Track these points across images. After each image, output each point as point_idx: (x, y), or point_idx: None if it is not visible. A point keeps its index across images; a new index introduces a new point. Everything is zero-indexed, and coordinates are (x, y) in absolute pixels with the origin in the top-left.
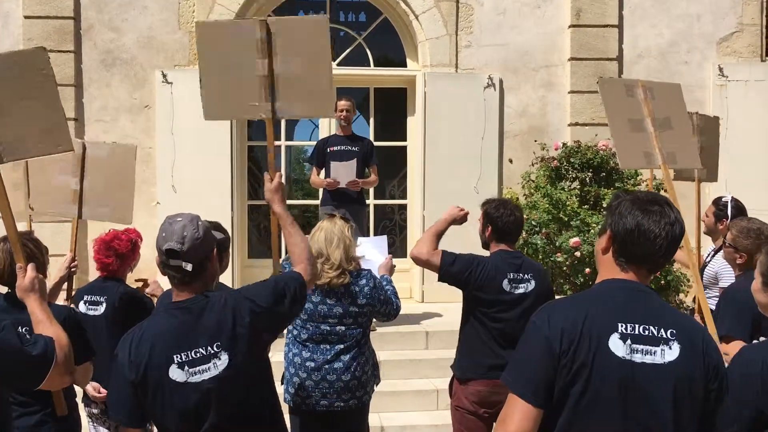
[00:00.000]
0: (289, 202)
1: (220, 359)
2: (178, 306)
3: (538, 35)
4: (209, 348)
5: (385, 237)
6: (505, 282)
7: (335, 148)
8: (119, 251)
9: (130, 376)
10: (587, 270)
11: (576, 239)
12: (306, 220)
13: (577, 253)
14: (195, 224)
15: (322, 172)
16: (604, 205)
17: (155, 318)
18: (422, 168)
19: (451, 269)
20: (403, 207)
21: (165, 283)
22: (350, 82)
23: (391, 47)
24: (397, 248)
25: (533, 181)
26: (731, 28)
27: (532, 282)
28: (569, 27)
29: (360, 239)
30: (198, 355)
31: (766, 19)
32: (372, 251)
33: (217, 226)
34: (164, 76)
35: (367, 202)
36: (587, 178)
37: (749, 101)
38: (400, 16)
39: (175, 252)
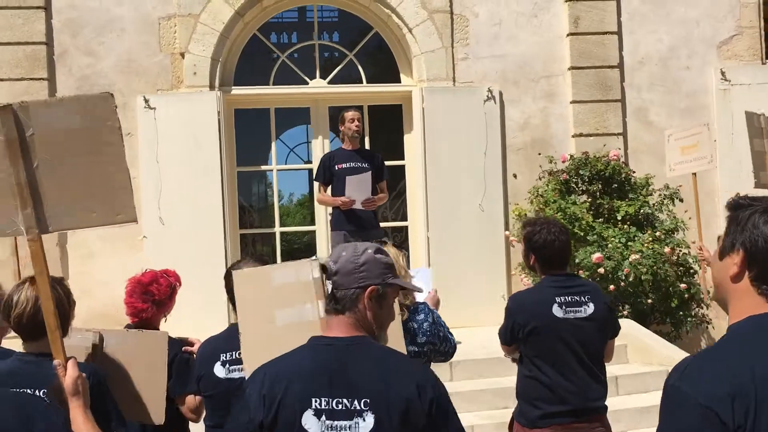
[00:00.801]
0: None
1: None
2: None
3: (536, 45)
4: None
5: (429, 269)
6: (555, 307)
7: (344, 165)
8: (157, 297)
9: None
10: (611, 287)
11: (598, 255)
12: (305, 246)
13: (601, 270)
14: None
15: (329, 190)
16: (619, 218)
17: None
18: (424, 187)
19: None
20: (399, 229)
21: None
22: (343, 100)
23: (383, 63)
24: None
25: (542, 196)
26: (731, 31)
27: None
28: (567, 35)
29: None
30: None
31: (764, 21)
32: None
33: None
34: (146, 101)
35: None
36: (597, 191)
37: (754, 105)
38: (392, 30)
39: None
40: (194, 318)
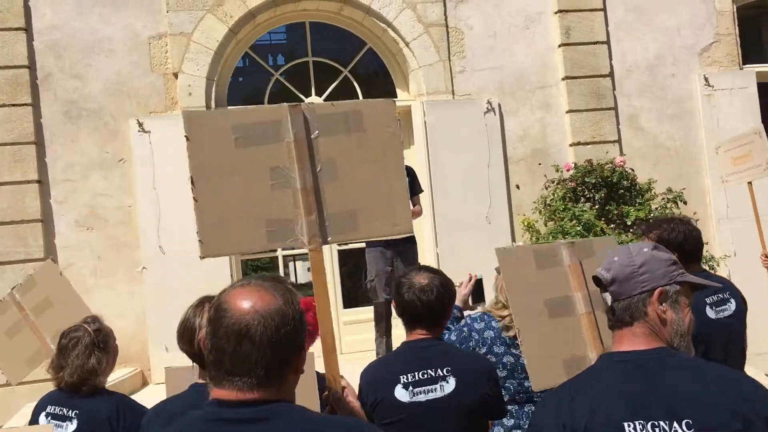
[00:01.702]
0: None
1: None
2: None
3: (530, 56)
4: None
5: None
6: (707, 309)
7: None
8: (311, 328)
9: None
10: None
11: None
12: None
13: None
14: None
15: None
16: (629, 223)
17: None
18: (430, 201)
19: None
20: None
21: None
22: None
23: (378, 78)
24: None
25: (550, 205)
26: (710, 38)
27: (732, 302)
28: (560, 46)
29: None
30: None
31: (738, 28)
32: None
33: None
34: (140, 124)
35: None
36: (602, 197)
37: (735, 108)
38: (387, 45)
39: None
40: None
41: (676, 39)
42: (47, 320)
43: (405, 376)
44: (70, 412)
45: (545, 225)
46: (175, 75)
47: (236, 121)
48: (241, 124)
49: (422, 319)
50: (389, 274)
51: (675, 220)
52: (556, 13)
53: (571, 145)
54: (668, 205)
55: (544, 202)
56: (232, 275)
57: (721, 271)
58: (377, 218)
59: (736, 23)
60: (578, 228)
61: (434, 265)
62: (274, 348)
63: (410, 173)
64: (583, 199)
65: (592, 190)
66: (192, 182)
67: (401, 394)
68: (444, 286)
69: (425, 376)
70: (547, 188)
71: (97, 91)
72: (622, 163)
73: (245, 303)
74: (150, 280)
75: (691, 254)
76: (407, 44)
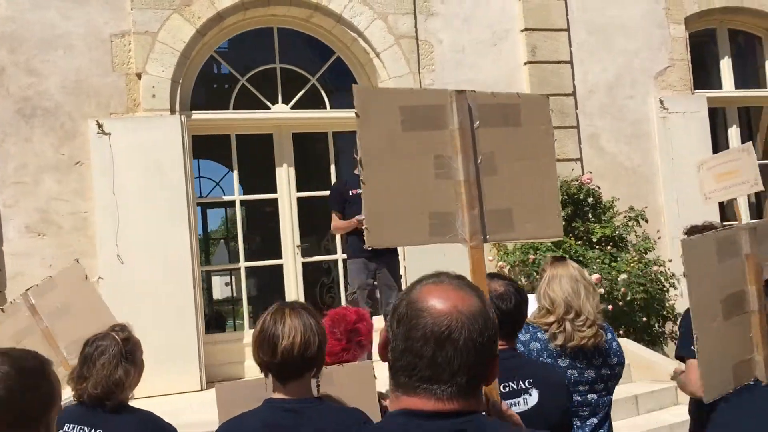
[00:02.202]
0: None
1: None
2: None
3: (497, 72)
4: None
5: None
6: None
7: (358, 191)
8: (363, 339)
9: None
10: (610, 307)
11: (597, 276)
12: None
13: (601, 290)
14: None
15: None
16: (594, 240)
17: None
18: None
19: None
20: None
21: None
22: (307, 126)
23: (345, 88)
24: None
25: None
26: (664, 63)
27: None
28: (525, 63)
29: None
30: None
31: (690, 54)
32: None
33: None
34: (100, 126)
35: (336, 256)
36: (568, 214)
37: (689, 131)
38: (356, 55)
39: None
40: (158, 372)
41: (634, 62)
42: (64, 327)
43: None
44: (92, 431)
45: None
46: (138, 75)
47: (403, 102)
48: (408, 106)
49: (501, 328)
50: (372, 287)
51: (707, 228)
52: (522, 31)
53: None
54: (630, 223)
55: None
56: (194, 287)
57: (683, 287)
58: (530, 219)
59: (689, 49)
60: (549, 244)
61: (402, 282)
62: (478, 353)
63: None
64: None
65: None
66: (360, 164)
67: None
68: (519, 293)
69: (507, 389)
70: None
71: (54, 89)
72: (588, 181)
73: (445, 303)
74: (106, 291)
75: None
76: (378, 55)
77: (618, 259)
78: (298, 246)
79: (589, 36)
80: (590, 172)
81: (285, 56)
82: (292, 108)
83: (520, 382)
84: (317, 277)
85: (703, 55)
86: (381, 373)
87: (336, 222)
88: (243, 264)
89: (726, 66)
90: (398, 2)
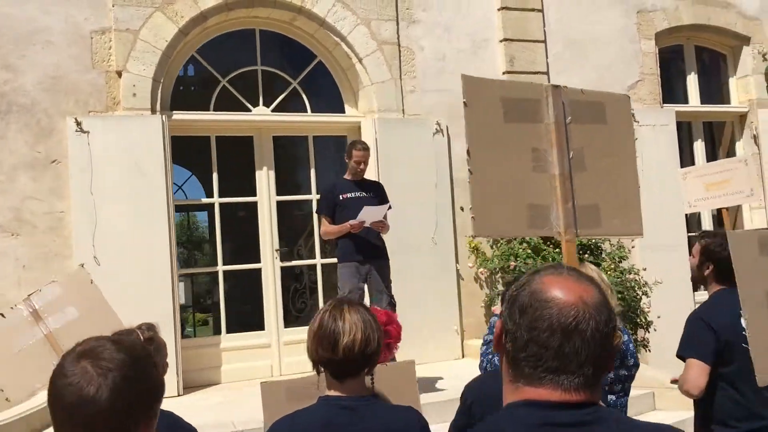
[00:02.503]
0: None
1: None
2: None
3: None
4: None
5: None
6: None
7: (349, 195)
8: (392, 341)
9: None
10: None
11: None
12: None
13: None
14: None
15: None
16: None
17: None
18: None
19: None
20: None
21: None
22: (288, 129)
23: (326, 92)
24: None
25: None
26: (635, 77)
27: None
28: (504, 73)
29: None
30: None
31: (660, 69)
32: None
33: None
34: (78, 124)
35: (315, 261)
36: None
37: (659, 143)
38: (338, 60)
39: None
40: None
41: (607, 75)
42: (69, 332)
43: None
44: None
45: (491, 247)
46: (119, 73)
47: (505, 94)
48: (508, 98)
49: None
50: (362, 291)
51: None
52: (501, 41)
53: None
54: None
55: None
56: (172, 291)
57: (654, 297)
58: (616, 216)
59: (658, 64)
60: (528, 251)
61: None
62: (603, 344)
63: (380, 188)
64: None
65: None
66: (468, 153)
67: None
68: None
69: None
70: None
71: (30, 85)
72: None
73: (570, 294)
74: None
75: (728, 272)
76: (360, 60)
77: (598, 267)
78: (276, 250)
79: (565, 48)
80: None
81: (266, 59)
82: (273, 111)
83: None
84: (288, 284)
85: (671, 70)
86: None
87: (327, 226)
88: (221, 268)
89: (692, 81)
90: (381, 8)
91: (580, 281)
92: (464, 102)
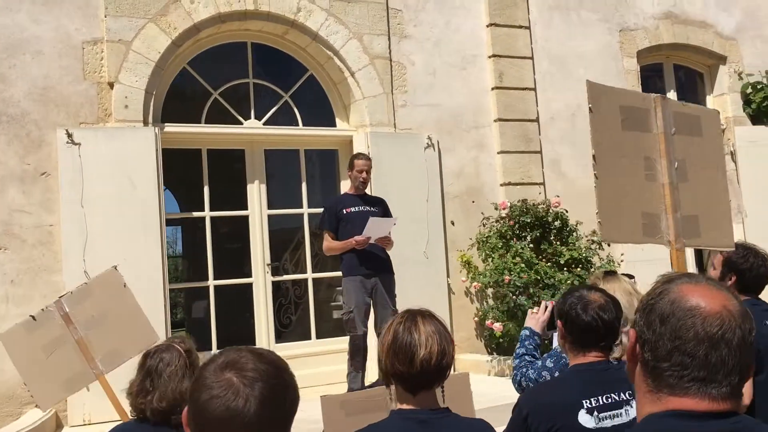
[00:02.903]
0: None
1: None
2: None
3: (466, 96)
4: None
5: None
6: None
7: (353, 209)
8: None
9: None
10: None
11: None
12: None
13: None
14: None
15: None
16: (561, 263)
17: None
18: None
19: None
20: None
21: None
22: (280, 143)
23: (317, 106)
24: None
25: (488, 243)
26: None
27: None
28: (493, 89)
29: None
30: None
31: (644, 86)
32: None
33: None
34: (69, 135)
35: (307, 276)
36: (536, 236)
37: None
38: (329, 73)
39: None
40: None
41: None
42: (100, 338)
43: (588, 401)
44: None
45: (483, 261)
46: (111, 85)
47: (623, 102)
48: (626, 106)
49: (601, 340)
50: (368, 306)
51: (754, 253)
52: (490, 57)
53: (502, 185)
54: (593, 246)
55: (483, 239)
56: (165, 306)
57: None
58: (714, 228)
59: (640, 81)
60: (522, 265)
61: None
62: (748, 353)
63: (384, 204)
64: (515, 238)
65: (527, 229)
66: (593, 158)
67: (586, 419)
68: (617, 305)
69: (610, 400)
70: (484, 225)
71: (20, 96)
72: (557, 204)
73: (713, 303)
74: None
75: (751, 281)
76: (353, 74)
77: (587, 281)
78: (268, 264)
79: (551, 65)
80: (558, 196)
81: (258, 72)
82: (264, 124)
83: (621, 394)
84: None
85: (651, 88)
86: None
87: (330, 242)
88: (212, 282)
89: (672, 98)
90: (373, 23)
91: (720, 289)
92: (590, 108)
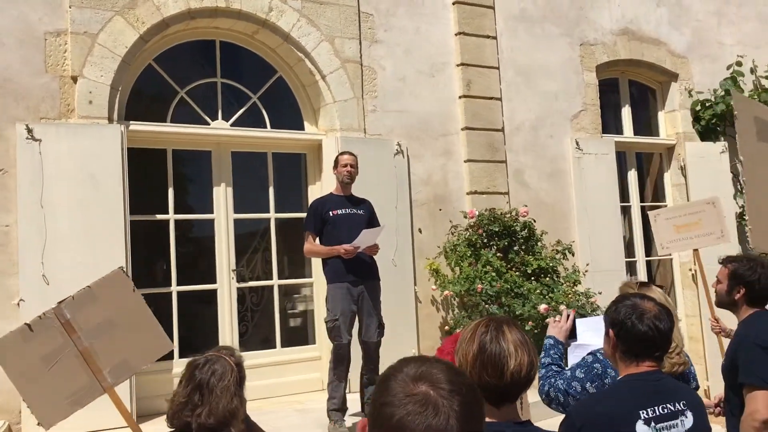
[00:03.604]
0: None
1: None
2: None
3: (435, 103)
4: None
5: (601, 318)
6: None
7: (339, 211)
8: None
9: None
10: None
11: (545, 305)
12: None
13: (549, 320)
14: None
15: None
16: (529, 272)
17: None
18: None
19: None
20: (305, 286)
21: None
22: (247, 145)
23: (284, 109)
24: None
25: (457, 251)
26: (579, 107)
27: None
28: (460, 97)
29: (578, 321)
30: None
31: (601, 100)
32: (590, 336)
33: None
34: (29, 131)
35: (273, 282)
36: (504, 245)
37: (600, 172)
38: (298, 76)
39: None
40: (89, 407)
41: (554, 104)
42: (107, 347)
43: (645, 411)
44: None
45: (451, 270)
46: (74, 79)
47: (757, 114)
48: (759, 118)
49: (657, 350)
50: (354, 314)
51: (761, 263)
52: (458, 65)
53: (468, 194)
54: (557, 256)
55: (452, 247)
56: None
57: None
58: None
59: (598, 95)
60: (493, 274)
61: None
62: None
63: (369, 205)
64: (483, 247)
65: (495, 238)
66: (741, 163)
67: (643, 430)
68: (670, 314)
69: (666, 410)
70: (453, 234)
71: None
72: (525, 214)
73: None
74: (27, 315)
75: (760, 296)
76: (323, 77)
77: (555, 290)
78: (233, 270)
79: (517, 76)
80: (525, 206)
81: (226, 71)
82: (232, 125)
83: (677, 404)
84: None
85: (607, 102)
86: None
87: (313, 245)
88: (174, 288)
89: (627, 113)
90: (345, 26)
91: None
92: (735, 115)
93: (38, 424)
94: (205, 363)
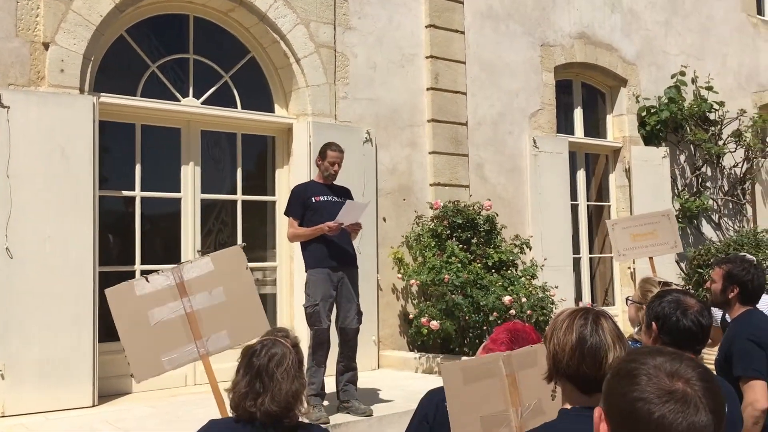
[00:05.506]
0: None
1: None
2: None
3: (404, 94)
4: None
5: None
6: None
7: (322, 198)
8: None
9: None
10: None
11: (509, 297)
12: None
13: (512, 311)
14: None
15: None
16: (490, 264)
17: None
18: None
19: None
20: (265, 270)
21: None
22: (218, 125)
23: (255, 90)
24: None
25: (420, 241)
26: (537, 106)
27: None
28: (428, 89)
29: None
30: None
31: (556, 100)
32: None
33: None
34: None
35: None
36: (467, 237)
37: (554, 170)
38: (271, 58)
39: None
40: (43, 386)
41: (514, 101)
42: (213, 316)
43: None
44: None
45: (414, 260)
46: (46, 45)
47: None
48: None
49: (697, 343)
50: (333, 300)
51: (752, 264)
52: (427, 57)
53: (431, 185)
54: (515, 251)
55: (416, 237)
56: (94, 291)
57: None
58: None
59: (555, 96)
60: (458, 264)
61: (290, 294)
62: None
63: (350, 194)
64: (447, 238)
65: (458, 230)
66: None
67: None
68: (710, 311)
69: None
70: (417, 224)
71: None
72: (488, 207)
73: None
74: None
75: (752, 292)
76: (298, 61)
77: (516, 282)
78: (198, 251)
79: (481, 72)
80: (489, 200)
81: (199, 48)
82: (203, 103)
83: None
84: None
85: (561, 103)
86: None
87: (296, 229)
88: (138, 267)
89: (578, 115)
90: (320, 10)
91: None
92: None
93: (131, 375)
94: (261, 348)
